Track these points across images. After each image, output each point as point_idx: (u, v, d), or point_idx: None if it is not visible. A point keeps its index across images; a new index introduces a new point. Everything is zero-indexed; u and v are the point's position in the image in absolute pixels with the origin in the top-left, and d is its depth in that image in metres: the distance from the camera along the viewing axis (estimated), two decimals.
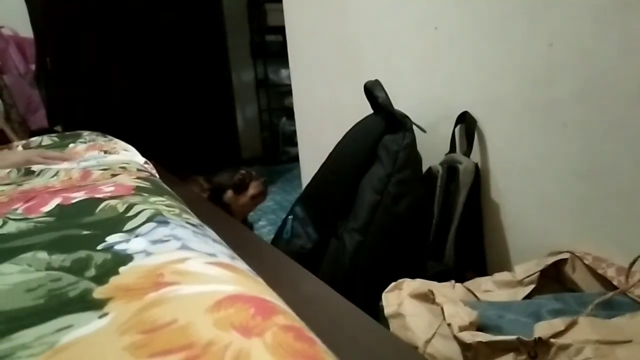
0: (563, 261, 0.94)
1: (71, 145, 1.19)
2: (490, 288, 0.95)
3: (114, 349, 0.26)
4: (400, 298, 0.87)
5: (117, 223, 0.48)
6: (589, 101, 0.92)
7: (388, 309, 0.86)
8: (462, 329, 0.73)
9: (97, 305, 0.32)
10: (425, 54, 1.31)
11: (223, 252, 0.44)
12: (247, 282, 0.37)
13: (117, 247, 0.41)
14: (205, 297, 0.32)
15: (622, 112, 0.87)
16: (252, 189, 1.67)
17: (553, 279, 0.95)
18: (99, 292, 0.33)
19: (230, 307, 0.31)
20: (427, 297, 0.86)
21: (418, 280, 0.92)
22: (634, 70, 0.84)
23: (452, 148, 1.24)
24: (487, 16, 1.10)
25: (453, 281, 0.96)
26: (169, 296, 0.32)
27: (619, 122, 0.88)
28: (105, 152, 1.06)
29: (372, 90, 1.22)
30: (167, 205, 0.56)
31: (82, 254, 0.40)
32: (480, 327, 0.75)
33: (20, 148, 1.21)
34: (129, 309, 0.31)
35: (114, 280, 0.35)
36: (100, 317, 0.30)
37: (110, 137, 1.28)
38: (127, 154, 1.06)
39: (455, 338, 0.73)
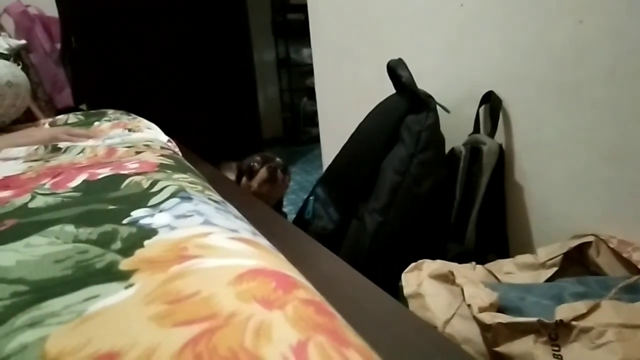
0: (587, 244, 0.92)
1: (96, 123, 1.21)
2: (511, 270, 0.95)
3: (140, 318, 0.27)
4: (420, 278, 0.87)
5: (141, 198, 0.48)
6: (619, 81, 0.89)
7: (407, 289, 0.86)
8: (482, 310, 0.73)
9: (123, 277, 0.32)
10: (450, 31, 1.28)
11: (245, 228, 0.44)
12: (269, 257, 0.37)
13: (142, 222, 0.42)
14: (228, 271, 0.33)
15: None
16: (259, 176, 1.56)
17: (576, 262, 0.93)
18: (124, 264, 0.34)
19: (252, 281, 0.31)
20: (447, 278, 0.86)
21: (438, 261, 0.92)
22: None
23: (476, 128, 1.22)
24: None
25: (474, 262, 0.96)
26: (192, 269, 0.33)
27: None
28: (130, 130, 1.08)
29: (395, 70, 1.20)
30: (190, 182, 0.57)
31: (108, 227, 0.41)
32: (500, 309, 0.75)
33: (47, 125, 1.24)
34: (154, 281, 0.31)
35: (139, 253, 0.36)
36: (126, 287, 0.31)
37: (134, 115, 1.30)
38: (151, 132, 1.07)
39: (475, 319, 0.73)
